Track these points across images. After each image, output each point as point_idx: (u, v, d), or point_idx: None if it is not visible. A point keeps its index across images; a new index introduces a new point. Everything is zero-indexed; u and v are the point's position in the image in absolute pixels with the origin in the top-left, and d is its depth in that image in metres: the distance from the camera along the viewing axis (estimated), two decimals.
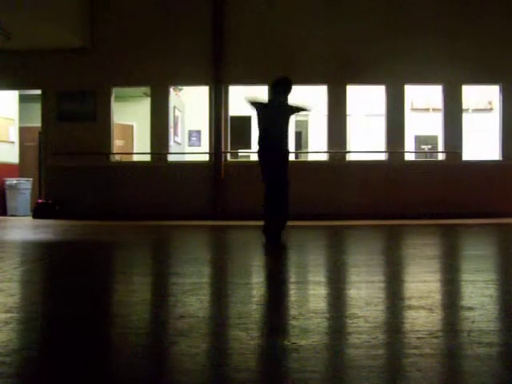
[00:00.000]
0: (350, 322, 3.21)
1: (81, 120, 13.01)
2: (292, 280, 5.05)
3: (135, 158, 14.85)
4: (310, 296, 4.19)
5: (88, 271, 5.51)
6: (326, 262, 6.41)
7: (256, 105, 7.57)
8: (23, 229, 10.61)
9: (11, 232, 10.20)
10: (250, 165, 12.23)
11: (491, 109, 15.99)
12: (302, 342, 2.79)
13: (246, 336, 2.91)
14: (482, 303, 3.68)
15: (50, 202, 12.89)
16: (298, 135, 16.82)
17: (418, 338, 2.84)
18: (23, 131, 15.18)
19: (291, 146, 14.74)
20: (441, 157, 13.34)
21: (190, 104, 16.33)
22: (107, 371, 2.51)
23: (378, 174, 12.73)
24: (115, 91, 13.25)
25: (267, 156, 7.34)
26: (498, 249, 7.79)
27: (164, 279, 5.01)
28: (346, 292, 4.33)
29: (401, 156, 13.01)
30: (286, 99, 7.59)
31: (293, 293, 4.38)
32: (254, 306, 3.79)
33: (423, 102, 16.14)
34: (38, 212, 12.90)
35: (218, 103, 12.85)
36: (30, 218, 12.93)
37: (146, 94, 14.34)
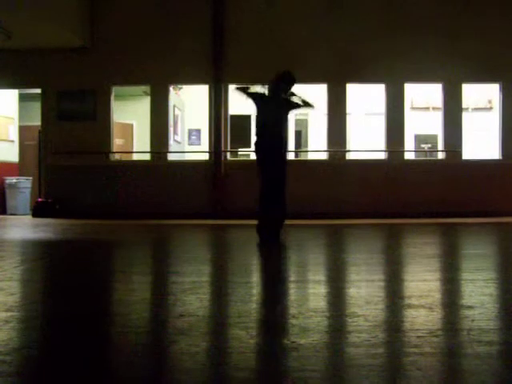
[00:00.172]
0: (349, 320, 3.21)
1: (81, 119, 13.01)
2: (292, 279, 5.05)
3: (135, 156, 14.86)
4: (309, 295, 4.19)
5: (88, 270, 5.51)
6: (325, 260, 6.41)
7: (254, 95, 7.43)
8: (23, 228, 10.61)
9: (11, 231, 10.20)
10: (249, 163, 12.22)
11: (491, 108, 15.98)
12: (302, 341, 2.79)
13: (245, 335, 2.91)
14: (481, 302, 3.69)
15: (49, 200, 12.89)
16: (298, 134, 16.81)
17: (418, 336, 2.84)
18: (23, 130, 15.18)
19: (291, 145, 14.77)
20: (441, 156, 13.33)
21: (190, 103, 16.32)
22: (107, 370, 2.51)
23: (377, 172, 12.73)
24: (115, 90, 13.25)
25: (265, 153, 7.21)
26: (498, 248, 7.79)
27: (164, 278, 5.01)
28: (345, 291, 4.33)
29: (400, 155, 13.00)
30: (286, 94, 7.48)
31: (292, 291, 4.38)
32: (254, 305, 3.79)
33: (423, 101, 16.13)
34: (38, 211, 12.90)
35: (217, 102, 12.85)
36: (30, 217, 12.93)
37: (145, 93, 14.33)
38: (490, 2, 12.86)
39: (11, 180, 13.86)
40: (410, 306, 3.56)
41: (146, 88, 13.88)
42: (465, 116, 13.22)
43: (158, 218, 12.05)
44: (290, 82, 7.37)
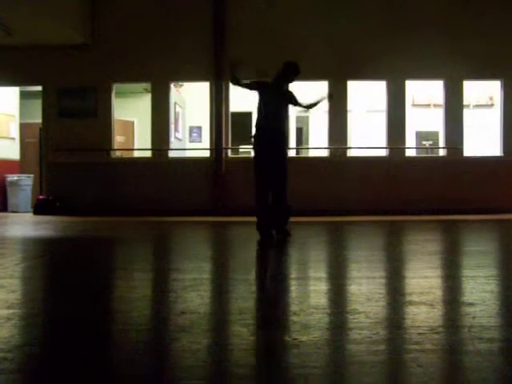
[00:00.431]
0: (350, 317, 3.21)
1: (81, 116, 13.01)
2: (293, 276, 5.06)
3: (136, 154, 14.86)
4: (310, 292, 4.19)
5: (89, 267, 5.51)
6: (326, 257, 6.41)
7: (254, 86, 7.34)
8: (24, 225, 10.62)
9: (12, 228, 10.21)
10: (250, 160, 12.19)
11: (492, 104, 15.96)
12: (303, 338, 2.79)
13: (246, 332, 2.91)
14: (482, 299, 3.68)
15: (50, 198, 12.90)
16: (299, 131, 16.80)
17: (419, 333, 2.84)
18: (24, 127, 15.18)
19: (292, 142, 14.75)
20: (442, 153, 13.32)
21: (191, 100, 16.32)
22: (108, 367, 2.52)
23: (378, 169, 12.73)
24: (116, 87, 13.25)
25: (263, 148, 7.08)
26: (499, 245, 7.78)
27: (165, 275, 5.01)
28: (346, 288, 4.33)
29: (402, 152, 13.00)
30: (287, 86, 7.39)
31: (294, 288, 4.38)
32: (255, 302, 3.79)
33: (424, 98, 16.11)
34: (39, 208, 12.91)
35: (218, 99, 12.85)
36: (31, 215, 12.95)
37: (146, 90, 14.33)
38: None
39: (12, 177, 13.86)
40: (411, 303, 3.56)
41: (147, 85, 13.88)
42: (466, 113, 13.21)
43: (159, 215, 12.06)
44: (296, 75, 7.31)
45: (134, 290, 4.29)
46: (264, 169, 7.01)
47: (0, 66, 12.97)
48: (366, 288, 4.14)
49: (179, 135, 16.22)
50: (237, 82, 7.25)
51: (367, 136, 14.98)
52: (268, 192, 7.01)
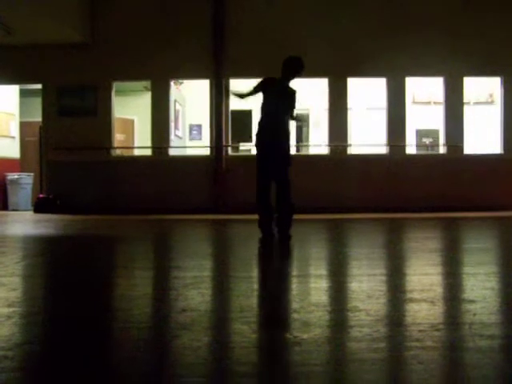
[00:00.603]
0: (351, 315, 3.21)
1: (81, 114, 13.01)
2: (293, 273, 5.05)
3: (136, 152, 14.85)
4: (311, 289, 4.19)
5: (89, 265, 5.51)
6: (327, 255, 6.41)
7: (258, 88, 6.95)
8: (24, 223, 10.63)
9: (12, 227, 10.21)
10: (251, 158, 12.19)
11: (492, 101, 15.95)
12: (304, 336, 2.79)
13: (247, 329, 2.91)
14: (483, 296, 3.68)
15: (50, 196, 12.91)
16: (299, 129, 16.79)
17: (420, 330, 2.84)
18: (24, 126, 15.18)
19: (292, 140, 14.75)
20: (442, 150, 13.32)
21: (191, 98, 16.32)
22: (109, 365, 2.52)
23: (379, 167, 12.73)
24: (116, 85, 13.25)
25: (266, 148, 6.90)
26: (500, 242, 7.78)
27: (165, 273, 5.01)
28: (347, 285, 4.33)
29: (402, 149, 13.00)
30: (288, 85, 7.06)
31: (294, 286, 4.38)
32: (256, 300, 3.79)
33: (424, 95, 16.10)
34: (39, 207, 12.92)
35: (218, 97, 12.84)
36: (31, 213, 12.95)
37: (146, 88, 14.33)
38: None
39: (13, 176, 13.87)
40: (411, 300, 3.56)
41: (147, 83, 13.88)
42: (466, 110, 13.21)
43: (159, 213, 12.06)
44: (301, 68, 6.94)
45: (134, 287, 4.29)
46: (266, 167, 6.91)
47: (0, 65, 12.96)
48: (366, 285, 4.14)
49: (179, 133, 16.22)
50: (244, 97, 7.15)
51: (367, 133, 14.98)
52: (269, 190, 6.93)
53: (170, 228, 10.05)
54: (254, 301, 3.75)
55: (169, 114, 13.22)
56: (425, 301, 3.51)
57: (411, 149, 14.10)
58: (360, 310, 3.28)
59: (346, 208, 12.28)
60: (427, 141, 16.07)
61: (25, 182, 13.94)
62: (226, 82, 12.80)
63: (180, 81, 15.12)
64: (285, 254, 6.29)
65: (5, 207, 13.85)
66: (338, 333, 2.95)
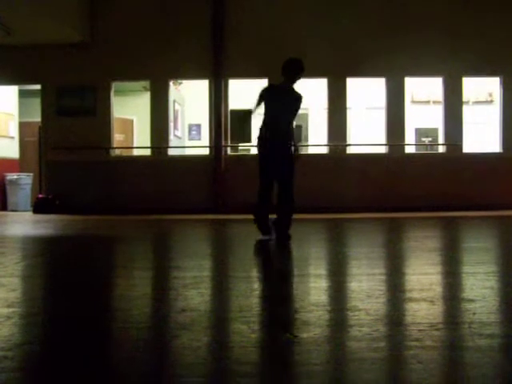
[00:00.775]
0: (351, 314, 3.22)
1: (81, 115, 13.01)
2: (293, 273, 5.05)
3: (135, 152, 14.84)
4: (311, 289, 4.19)
5: (89, 266, 5.51)
6: (326, 254, 6.41)
7: (261, 98, 6.91)
8: (24, 224, 10.62)
9: (12, 227, 10.21)
10: (250, 158, 12.23)
11: (492, 101, 15.96)
12: (304, 335, 2.79)
13: (247, 329, 2.91)
14: (482, 295, 3.69)
15: (50, 196, 12.90)
16: (298, 128, 16.78)
17: (420, 330, 2.85)
18: (23, 126, 15.17)
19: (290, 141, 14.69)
20: (441, 149, 13.32)
21: (190, 98, 16.31)
22: (108, 365, 2.52)
23: (378, 166, 12.73)
24: (115, 85, 13.24)
25: (270, 151, 6.86)
26: (499, 241, 7.79)
27: (165, 273, 5.01)
28: (347, 285, 4.33)
29: (401, 149, 13.00)
30: (292, 86, 6.98)
31: (294, 286, 4.38)
32: (255, 300, 3.79)
33: (424, 95, 16.11)
34: (39, 207, 12.91)
35: (217, 97, 12.84)
36: (31, 213, 12.94)
37: (145, 88, 14.32)
38: None
39: (12, 176, 13.86)
40: (411, 300, 3.56)
41: (146, 83, 13.87)
42: (465, 109, 13.21)
43: (159, 213, 12.05)
44: (301, 71, 6.88)
45: (134, 288, 4.29)
46: (269, 168, 6.86)
47: None
48: (366, 285, 4.14)
49: (178, 133, 16.21)
50: (253, 112, 7.13)
51: (367, 133, 14.98)
52: (272, 190, 6.89)
53: (169, 228, 10.05)
54: (253, 301, 3.75)
55: (168, 114, 13.21)
56: (424, 300, 3.51)
57: (410, 148, 14.10)
58: (360, 310, 3.28)
59: (345, 207, 12.28)
60: (426, 140, 16.08)
61: (24, 183, 13.93)
62: (226, 82, 12.81)
63: (179, 81, 15.11)
64: (284, 254, 6.29)
65: (4, 208, 13.84)
66: (337, 332, 2.95)
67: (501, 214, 11.46)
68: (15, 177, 13.87)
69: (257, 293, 4.08)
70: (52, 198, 12.85)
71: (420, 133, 16.12)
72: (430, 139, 16.03)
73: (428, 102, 16.09)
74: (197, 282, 4.25)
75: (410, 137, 14.24)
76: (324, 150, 13.28)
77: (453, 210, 12.16)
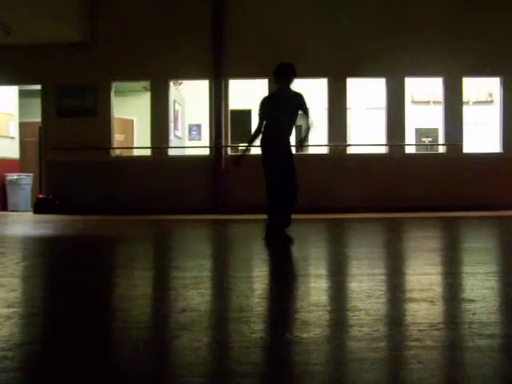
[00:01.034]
0: (351, 314, 3.22)
1: (81, 115, 13.00)
2: (293, 273, 5.05)
3: (136, 152, 14.84)
4: (311, 289, 4.19)
5: (89, 266, 5.51)
6: (327, 254, 6.41)
7: (261, 114, 6.92)
8: (24, 224, 10.63)
9: (12, 227, 10.21)
10: (250, 158, 12.21)
11: (492, 101, 15.96)
12: (304, 335, 2.79)
13: (247, 329, 2.91)
14: (483, 295, 3.69)
15: (50, 197, 12.90)
16: (298, 129, 16.78)
17: (420, 330, 2.85)
18: (23, 126, 15.16)
19: (291, 140, 14.70)
20: (441, 149, 13.32)
21: (190, 98, 16.31)
22: (109, 365, 2.52)
23: (378, 166, 12.73)
24: (115, 86, 13.23)
25: (271, 151, 6.82)
26: (499, 241, 7.79)
27: (165, 273, 5.01)
28: (347, 285, 4.33)
29: (401, 149, 13.00)
30: (289, 86, 6.91)
31: (294, 286, 4.38)
32: (256, 300, 3.79)
33: (424, 95, 16.10)
34: (39, 207, 12.91)
35: (218, 97, 12.84)
36: (31, 214, 12.94)
37: (145, 89, 14.32)
38: None
39: (12, 176, 13.85)
40: (411, 300, 3.57)
41: (146, 83, 13.87)
42: (465, 109, 13.20)
43: (159, 213, 12.05)
44: (291, 75, 6.84)
45: (134, 288, 4.29)
46: (272, 167, 6.77)
47: None
48: (366, 285, 4.14)
49: (179, 133, 16.21)
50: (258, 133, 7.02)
51: (367, 133, 14.97)
52: (280, 190, 6.76)
53: (169, 228, 10.05)
54: (253, 301, 3.75)
55: (168, 114, 13.21)
56: (424, 300, 3.51)
57: (411, 148, 14.10)
58: (360, 310, 3.28)
59: (345, 207, 12.28)
60: (427, 140, 16.07)
61: (24, 183, 13.93)
62: (226, 82, 12.82)
63: (179, 81, 15.11)
64: (285, 254, 6.29)
65: (4, 208, 13.83)
66: (337, 332, 2.95)
67: (501, 215, 11.46)
68: (15, 177, 13.87)
69: (257, 293, 4.08)
70: (52, 199, 12.85)
71: (420, 133, 16.12)
72: (430, 139, 16.02)
73: (428, 102, 16.08)
74: (197, 282, 4.25)
75: (410, 137, 14.23)
76: (324, 150, 13.28)
77: (453, 210, 12.16)
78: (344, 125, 12.99)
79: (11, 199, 13.79)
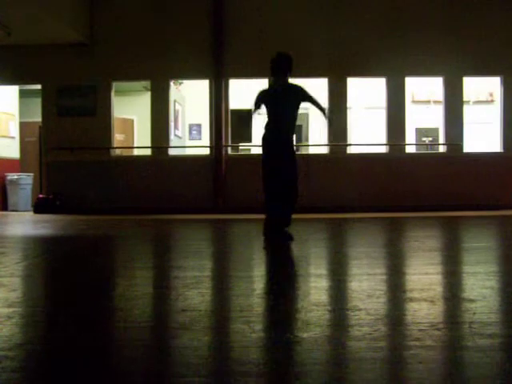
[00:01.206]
0: (351, 314, 3.22)
1: (81, 114, 13.02)
2: (294, 273, 5.05)
3: (136, 152, 14.85)
4: (311, 289, 4.19)
5: (89, 265, 5.51)
6: (327, 254, 6.41)
7: (258, 102, 6.78)
8: (24, 224, 10.63)
9: (12, 227, 10.21)
10: (250, 158, 12.25)
11: (492, 100, 15.95)
12: (304, 335, 2.79)
13: (248, 329, 2.91)
14: (483, 295, 3.68)
15: (50, 196, 12.90)
16: (299, 128, 16.78)
17: (420, 330, 2.85)
18: (24, 126, 15.18)
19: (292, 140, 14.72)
20: (442, 149, 13.32)
21: (191, 98, 16.31)
22: (109, 365, 2.52)
23: (379, 166, 12.73)
24: (115, 85, 13.24)
25: (272, 151, 6.74)
26: (500, 241, 7.78)
27: (166, 273, 5.01)
28: (347, 284, 4.33)
29: (402, 148, 13.00)
30: (287, 80, 6.79)
31: (295, 285, 4.38)
32: (256, 299, 3.79)
33: (424, 94, 16.10)
34: (39, 207, 12.91)
35: (218, 97, 12.85)
36: (31, 213, 12.95)
37: (145, 88, 14.33)
38: None
39: (12, 176, 13.86)
40: (411, 300, 3.56)
41: (147, 83, 13.88)
42: (466, 109, 13.21)
43: (159, 213, 12.06)
44: (289, 65, 6.73)
45: (134, 287, 4.29)
46: (273, 167, 6.74)
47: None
48: (366, 285, 4.14)
49: (179, 133, 16.21)
50: (254, 111, 6.96)
51: (367, 133, 14.97)
52: (278, 190, 6.73)
53: (169, 227, 10.04)
54: (253, 300, 3.75)
55: (168, 113, 13.22)
56: (425, 300, 3.51)
57: (411, 148, 14.09)
58: (360, 310, 3.28)
59: (346, 207, 12.28)
60: (427, 140, 16.07)
61: (24, 183, 13.94)
62: (226, 82, 12.82)
63: (180, 81, 15.11)
64: (285, 254, 6.28)
65: (4, 208, 13.84)
66: (338, 332, 2.95)
67: (501, 214, 11.46)
68: (16, 177, 13.87)
69: (257, 293, 4.08)
70: (52, 198, 12.86)
71: (420, 132, 16.11)
72: (430, 139, 16.02)
73: (428, 101, 16.08)
74: (197, 282, 4.25)
75: (410, 136, 14.23)
76: (324, 150, 13.28)
77: (453, 209, 12.16)
78: (344, 124, 12.99)
79: (11, 199, 13.80)
